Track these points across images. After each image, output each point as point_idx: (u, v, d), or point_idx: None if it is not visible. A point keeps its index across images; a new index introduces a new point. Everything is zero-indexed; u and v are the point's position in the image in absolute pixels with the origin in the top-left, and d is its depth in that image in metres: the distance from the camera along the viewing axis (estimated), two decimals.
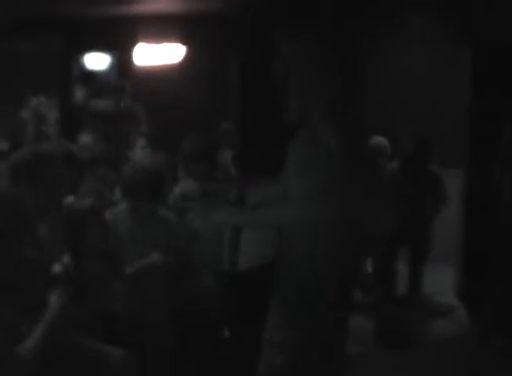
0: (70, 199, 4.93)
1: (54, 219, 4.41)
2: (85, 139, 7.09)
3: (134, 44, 9.89)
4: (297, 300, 3.74)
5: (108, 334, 4.27)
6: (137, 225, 4.88)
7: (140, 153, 7.26)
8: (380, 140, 7.49)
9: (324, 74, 3.86)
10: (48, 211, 4.36)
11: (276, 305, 3.83)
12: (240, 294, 4.39)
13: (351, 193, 3.80)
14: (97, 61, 10.91)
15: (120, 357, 4.06)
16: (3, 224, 3.68)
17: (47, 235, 4.22)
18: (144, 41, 9.83)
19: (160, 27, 9.61)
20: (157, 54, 9.83)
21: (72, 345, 3.95)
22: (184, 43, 9.75)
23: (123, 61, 10.44)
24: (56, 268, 4.02)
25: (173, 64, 9.82)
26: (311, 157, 3.63)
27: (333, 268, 3.77)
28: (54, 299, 3.74)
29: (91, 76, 10.36)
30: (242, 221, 3.95)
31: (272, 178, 3.90)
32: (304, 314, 3.74)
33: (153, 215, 4.94)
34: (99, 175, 5.82)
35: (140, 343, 4.39)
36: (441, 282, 7.36)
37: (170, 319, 4.69)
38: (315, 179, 3.58)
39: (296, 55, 3.91)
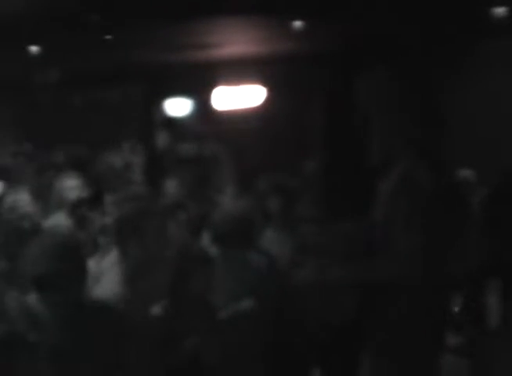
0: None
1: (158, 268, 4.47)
2: (171, 184, 7.15)
3: (214, 88, 9.98)
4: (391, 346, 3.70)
5: None
6: (227, 272, 4.88)
7: (228, 198, 7.27)
8: (465, 173, 7.40)
9: (406, 112, 3.83)
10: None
11: (370, 355, 3.79)
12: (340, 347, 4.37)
13: (438, 229, 3.74)
14: (178, 106, 11.06)
15: None
16: None
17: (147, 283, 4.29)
18: (224, 85, 9.92)
19: (240, 70, 9.69)
20: (238, 97, 9.89)
21: None
22: (264, 85, 9.80)
23: (204, 105, 10.56)
24: (156, 310, 4.08)
25: (254, 107, 9.87)
26: (410, 196, 3.58)
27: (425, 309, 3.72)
28: None
29: (173, 121, 10.49)
30: (355, 277, 3.86)
31: (357, 221, 3.88)
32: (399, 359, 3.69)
33: (244, 260, 4.95)
34: (181, 221, 5.86)
35: None
36: None
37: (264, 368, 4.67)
38: (417, 230, 3.52)
39: (376, 95, 3.90)
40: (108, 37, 8.28)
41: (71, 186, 6.37)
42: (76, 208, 6.12)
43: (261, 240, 5.47)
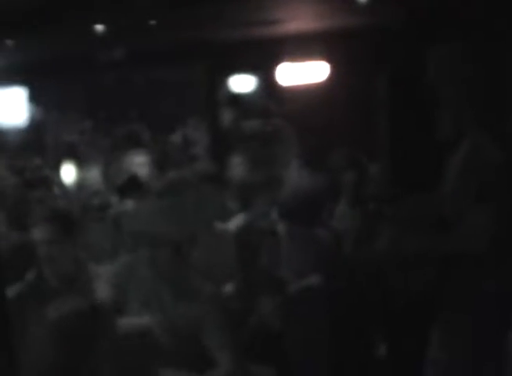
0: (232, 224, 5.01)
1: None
2: (237, 161, 7.16)
3: (278, 64, 9.95)
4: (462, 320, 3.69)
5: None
6: (295, 248, 4.90)
7: (295, 175, 7.25)
8: None
9: (477, 88, 3.80)
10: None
11: (439, 326, 3.78)
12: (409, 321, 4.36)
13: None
14: (242, 83, 11.06)
15: None
16: None
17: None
18: (288, 61, 9.88)
19: (304, 46, 9.64)
20: (302, 73, 9.85)
21: None
22: (328, 61, 9.74)
23: (268, 82, 10.54)
24: (228, 288, 4.11)
25: (318, 82, 9.81)
26: (479, 170, 3.56)
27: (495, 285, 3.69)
28: None
29: (237, 98, 10.50)
30: (432, 248, 3.87)
31: (427, 195, 3.86)
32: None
33: (311, 236, 4.96)
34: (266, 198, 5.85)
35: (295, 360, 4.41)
36: None
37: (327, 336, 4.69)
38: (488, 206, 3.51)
39: (448, 69, 3.87)
40: (170, 15, 8.30)
41: (140, 162, 6.44)
42: None
43: (332, 215, 5.48)
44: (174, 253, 3.97)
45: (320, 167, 6.42)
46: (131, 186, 5.78)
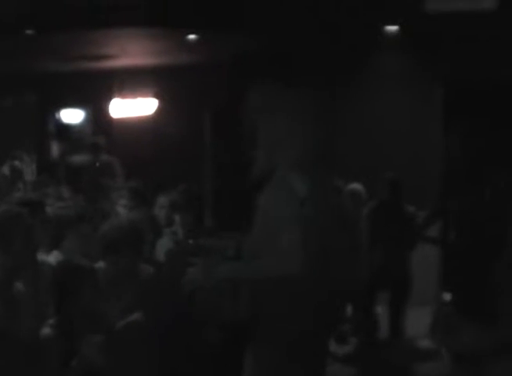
0: (52, 257, 4.92)
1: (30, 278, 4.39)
2: (65, 194, 7.08)
3: (108, 98, 9.94)
4: (276, 351, 3.76)
5: None
6: (119, 282, 4.85)
7: (121, 209, 7.22)
8: (355, 186, 7.51)
9: (294, 124, 3.89)
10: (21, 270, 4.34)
11: (254, 358, 3.85)
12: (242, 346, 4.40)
13: (326, 241, 3.82)
14: (72, 116, 10.95)
15: None
16: None
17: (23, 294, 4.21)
18: (118, 95, 9.88)
19: (134, 81, 9.68)
20: (132, 107, 9.86)
21: None
22: (157, 96, 9.81)
23: (97, 115, 10.49)
24: (46, 331, 4.01)
25: (147, 117, 9.85)
26: (284, 207, 3.65)
27: (312, 319, 3.79)
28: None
29: (66, 131, 10.39)
30: (242, 276, 3.93)
31: (247, 231, 3.93)
32: (281, 365, 3.76)
33: (133, 271, 4.91)
34: (83, 232, 5.78)
35: None
36: (424, 325, 7.33)
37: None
38: (295, 229, 3.60)
39: (266, 105, 3.95)
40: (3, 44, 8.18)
41: None
42: None
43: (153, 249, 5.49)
44: None
45: (146, 199, 6.45)
46: None
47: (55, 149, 9.88)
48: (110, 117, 9.95)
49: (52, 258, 5.14)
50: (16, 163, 9.96)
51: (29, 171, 9.58)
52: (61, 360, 3.99)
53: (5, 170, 10.41)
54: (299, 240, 3.59)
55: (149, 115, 9.81)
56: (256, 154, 3.92)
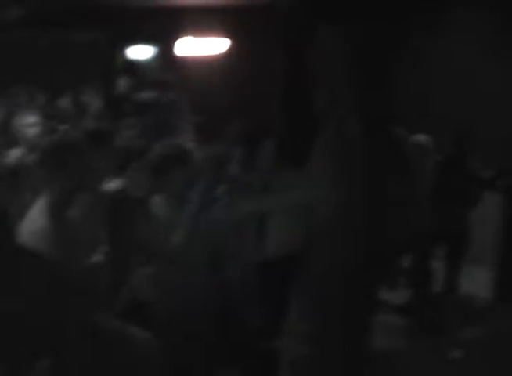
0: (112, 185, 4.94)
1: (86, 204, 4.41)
2: (127, 125, 7.10)
3: (177, 36, 9.92)
4: (324, 291, 3.76)
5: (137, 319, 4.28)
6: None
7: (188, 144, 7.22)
8: (421, 138, 7.41)
9: (355, 68, 3.87)
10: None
11: (302, 296, 3.85)
12: (266, 284, 4.39)
13: (380, 188, 3.79)
14: (141, 52, 10.99)
15: (145, 339, 4.05)
16: None
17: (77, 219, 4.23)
18: (187, 33, 9.86)
19: (204, 20, 9.64)
20: (202, 46, 9.84)
21: (96, 323, 3.95)
22: (227, 35, 9.76)
23: (166, 52, 10.51)
24: (96, 258, 4.04)
25: (216, 55, 9.82)
26: (335, 147, 3.64)
27: (361, 260, 3.77)
28: None
29: (135, 67, 10.43)
30: (267, 207, 3.95)
31: (297, 168, 3.92)
32: (328, 306, 3.75)
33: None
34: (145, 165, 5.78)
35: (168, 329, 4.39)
36: (479, 282, 7.27)
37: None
38: (339, 166, 3.59)
39: (332, 47, 3.92)
40: None
41: (29, 123, 6.31)
42: None
43: None
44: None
45: (212, 137, 6.43)
46: None
47: (123, 85, 9.91)
48: (179, 55, 9.94)
49: (113, 186, 5.16)
50: (83, 97, 10.07)
51: (95, 106, 9.64)
52: (109, 289, 4.02)
53: (67, 102, 10.53)
54: (334, 175, 3.58)
55: (219, 55, 9.77)
56: (318, 93, 3.91)
